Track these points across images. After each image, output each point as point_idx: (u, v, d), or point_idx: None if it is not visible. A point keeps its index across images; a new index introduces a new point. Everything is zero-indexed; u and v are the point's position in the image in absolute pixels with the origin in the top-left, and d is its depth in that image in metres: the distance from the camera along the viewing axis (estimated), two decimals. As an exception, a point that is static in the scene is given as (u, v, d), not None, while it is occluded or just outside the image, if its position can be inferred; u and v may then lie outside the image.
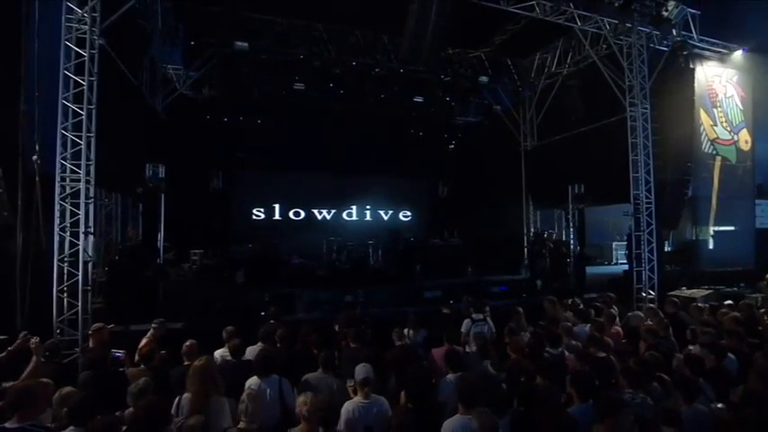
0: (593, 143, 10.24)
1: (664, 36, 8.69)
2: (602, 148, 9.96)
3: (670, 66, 9.49)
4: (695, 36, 9.87)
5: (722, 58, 10.60)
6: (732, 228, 10.59)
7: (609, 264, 16.23)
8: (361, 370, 3.44)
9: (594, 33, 9.55)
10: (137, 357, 4.24)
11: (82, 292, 5.56)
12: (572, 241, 9.94)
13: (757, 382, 3.49)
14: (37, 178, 5.23)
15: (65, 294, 5.52)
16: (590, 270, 12.75)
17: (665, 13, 7.63)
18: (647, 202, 9.09)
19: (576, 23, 9.05)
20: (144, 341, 4.72)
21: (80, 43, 5.63)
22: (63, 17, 5.55)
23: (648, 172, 9.14)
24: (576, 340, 5.15)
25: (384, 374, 4.15)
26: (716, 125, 10.39)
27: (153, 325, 5.20)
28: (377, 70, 10.73)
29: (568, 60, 11.33)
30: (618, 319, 6.44)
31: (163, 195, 7.31)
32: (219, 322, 5.46)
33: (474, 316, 6.23)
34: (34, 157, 5.22)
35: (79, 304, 5.51)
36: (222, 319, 6.22)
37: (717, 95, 10.49)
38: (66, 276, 5.55)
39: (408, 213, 15.91)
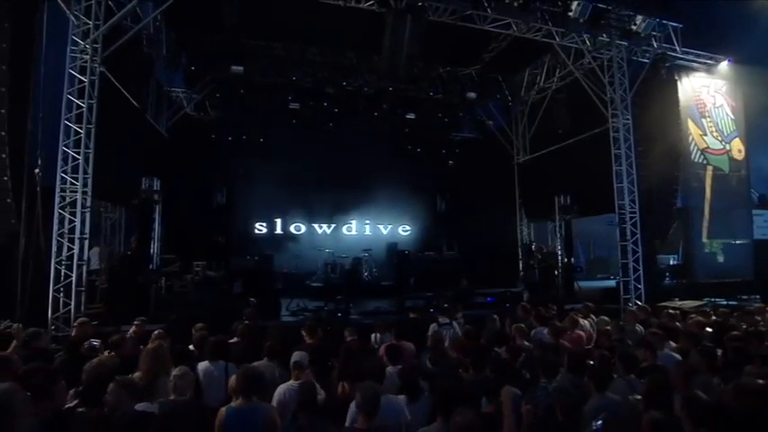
0: (580, 155, 10.39)
1: (640, 49, 8.90)
2: (588, 159, 10.10)
3: (653, 78, 9.64)
4: (678, 48, 10.00)
5: (709, 69, 10.64)
6: (738, 241, 10.41)
7: (616, 277, 15.91)
8: (296, 355, 3.75)
9: (578, 48, 9.84)
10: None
11: (75, 292, 6.10)
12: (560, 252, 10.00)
13: (678, 375, 3.59)
14: (38, 189, 5.87)
15: (60, 294, 6.08)
16: (591, 283, 12.66)
17: (634, 27, 7.85)
18: (632, 212, 9.13)
19: (555, 39, 9.37)
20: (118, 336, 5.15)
21: (82, 71, 6.36)
22: (68, 48, 6.31)
23: (632, 182, 9.22)
24: (530, 341, 5.29)
25: (330, 366, 4.42)
26: (705, 135, 10.36)
27: (135, 323, 5.66)
28: (366, 89, 11.28)
29: (556, 75, 11.60)
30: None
31: (157, 207, 7.87)
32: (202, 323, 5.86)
33: (440, 320, 6.50)
34: (36, 170, 5.87)
35: (72, 303, 6.04)
36: (205, 321, 6.62)
37: (705, 105, 10.49)
38: (62, 278, 6.13)
39: (408, 227, 16.15)
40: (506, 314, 6.95)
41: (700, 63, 10.58)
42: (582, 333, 5.96)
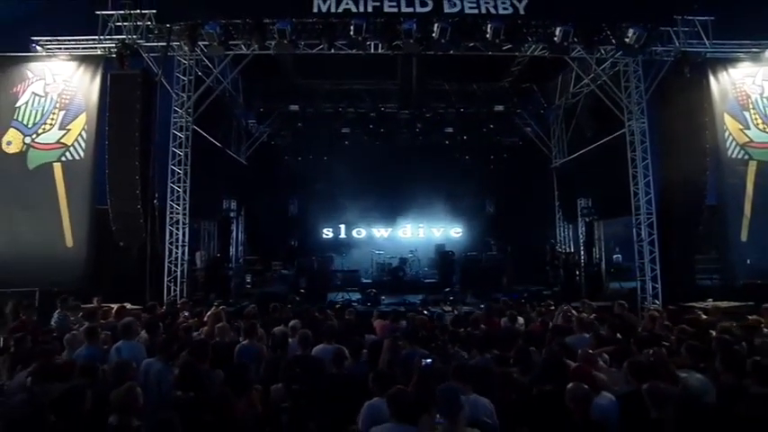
0: (602, 158, 10.68)
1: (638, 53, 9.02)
2: (609, 162, 10.39)
3: (674, 79, 9.59)
4: (707, 43, 9.71)
5: (755, 57, 10.03)
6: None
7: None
8: (292, 322, 5.68)
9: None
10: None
11: (179, 282, 8.94)
12: (583, 252, 10.42)
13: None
14: (156, 213, 8.77)
15: (172, 283, 8.96)
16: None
17: (627, 40, 8.17)
18: (648, 214, 9.31)
19: (567, 53, 9.91)
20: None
21: (180, 128, 9.21)
22: (172, 116, 9.20)
23: (648, 184, 9.38)
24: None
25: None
26: (748, 128, 9.81)
27: (214, 304, 8.21)
28: (401, 111, 12.94)
29: (584, 80, 11.86)
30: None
31: (235, 221, 10.59)
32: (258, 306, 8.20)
33: (445, 308, 8.03)
34: (155, 201, 8.79)
35: (177, 290, 8.88)
36: (261, 304, 8.99)
37: (749, 97, 9.92)
38: (172, 272, 9.01)
39: (459, 230, 17.28)
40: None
41: (741, 53, 10.05)
42: (549, 322, 6.87)
